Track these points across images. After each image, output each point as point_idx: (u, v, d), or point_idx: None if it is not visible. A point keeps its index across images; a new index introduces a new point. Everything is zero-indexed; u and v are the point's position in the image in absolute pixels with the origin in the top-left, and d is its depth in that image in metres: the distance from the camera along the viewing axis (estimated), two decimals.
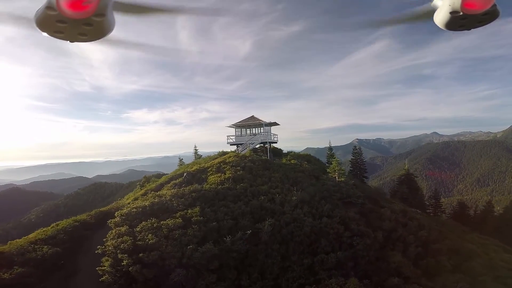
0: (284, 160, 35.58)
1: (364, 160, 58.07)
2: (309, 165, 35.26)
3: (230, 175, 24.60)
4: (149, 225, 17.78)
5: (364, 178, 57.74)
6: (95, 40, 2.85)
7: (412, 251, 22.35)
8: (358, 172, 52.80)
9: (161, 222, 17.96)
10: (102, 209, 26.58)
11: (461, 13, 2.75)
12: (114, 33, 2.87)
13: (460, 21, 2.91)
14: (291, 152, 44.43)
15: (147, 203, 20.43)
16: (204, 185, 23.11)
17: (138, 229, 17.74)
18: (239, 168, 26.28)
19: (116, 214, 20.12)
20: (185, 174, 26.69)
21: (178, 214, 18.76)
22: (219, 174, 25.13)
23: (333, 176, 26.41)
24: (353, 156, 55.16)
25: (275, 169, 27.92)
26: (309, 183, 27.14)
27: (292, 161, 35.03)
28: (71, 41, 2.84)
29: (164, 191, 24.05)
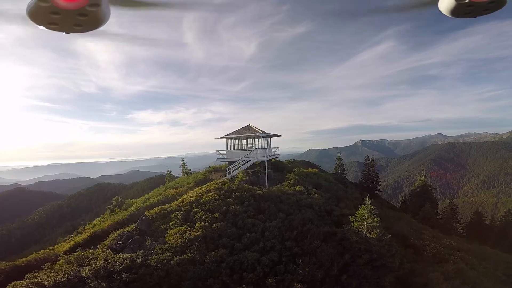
0: (286, 186, 26.80)
1: (377, 171, 53.38)
2: (320, 192, 26.68)
3: (199, 231, 15.44)
4: None
5: (377, 192, 51.95)
6: (91, 30, 2.65)
7: None
8: (370, 185, 47.74)
9: None
10: (18, 262, 17.93)
11: (467, 0, 2.51)
12: (111, 26, 2.72)
13: (466, 8, 2.60)
14: (296, 168, 35.56)
15: (48, 282, 11.51)
16: (154, 250, 14.08)
17: None
18: (217, 214, 17.12)
19: None
20: (139, 220, 17.80)
21: None
22: (184, 227, 16.03)
23: (359, 228, 17.58)
24: (365, 166, 50.13)
25: (271, 211, 18.89)
26: (322, 232, 18.34)
27: (297, 188, 26.32)
28: (67, 32, 2.65)
29: (99, 251, 15.26)
